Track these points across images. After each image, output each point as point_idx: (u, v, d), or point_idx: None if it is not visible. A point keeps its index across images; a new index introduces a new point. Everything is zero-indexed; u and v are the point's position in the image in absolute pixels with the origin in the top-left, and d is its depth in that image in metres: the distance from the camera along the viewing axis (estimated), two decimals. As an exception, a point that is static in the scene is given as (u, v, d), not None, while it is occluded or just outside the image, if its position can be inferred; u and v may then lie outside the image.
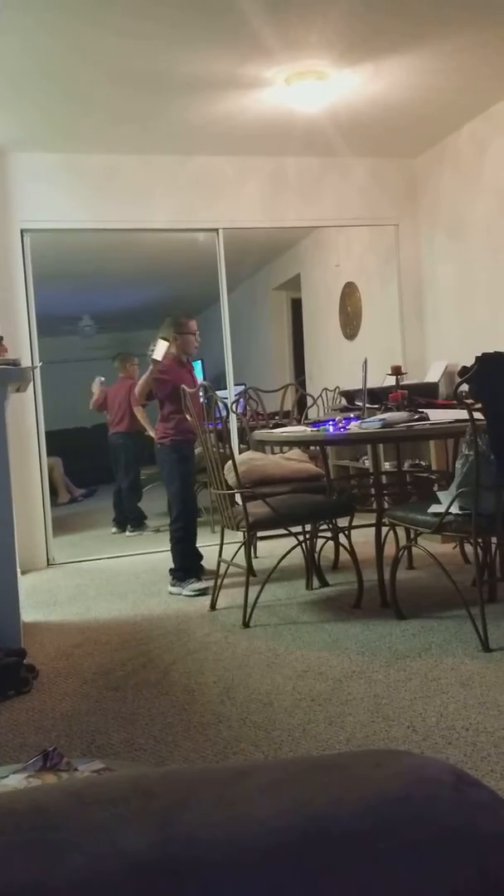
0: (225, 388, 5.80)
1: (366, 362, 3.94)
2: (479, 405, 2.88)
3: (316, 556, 4.14)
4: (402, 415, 3.42)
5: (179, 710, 2.62)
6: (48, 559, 5.40)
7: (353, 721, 2.42)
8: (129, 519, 6.66)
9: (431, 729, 2.32)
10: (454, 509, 3.01)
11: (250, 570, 3.73)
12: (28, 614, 3.92)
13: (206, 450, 3.83)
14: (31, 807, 0.53)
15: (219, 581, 3.90)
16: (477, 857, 0.50)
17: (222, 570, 3.91)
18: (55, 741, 2.42)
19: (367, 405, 3.91)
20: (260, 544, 4.90)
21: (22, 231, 5.26)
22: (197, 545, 4.43)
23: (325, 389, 5.57)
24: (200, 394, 4.13)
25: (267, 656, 3.09)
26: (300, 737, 2.34)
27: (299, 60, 4.10)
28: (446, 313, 5.82)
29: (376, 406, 3.85)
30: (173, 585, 4.27)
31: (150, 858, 0.47)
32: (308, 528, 4.08)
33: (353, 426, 3.46)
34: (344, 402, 5.06)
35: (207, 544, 4.57)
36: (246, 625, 3.52)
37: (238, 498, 3.69)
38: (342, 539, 4.16)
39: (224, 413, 3.77)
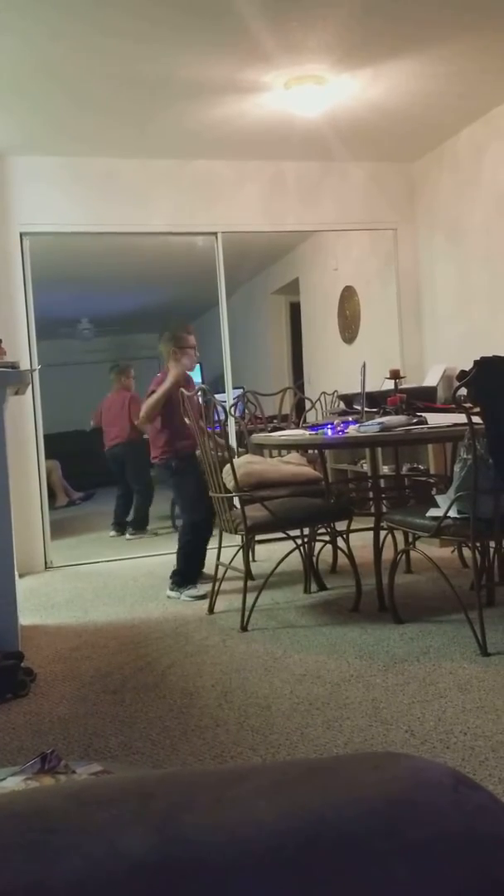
0: (223, 392, 5.80)
1: (364, 366, 3.95)
2: (477, 409, 2.88)
3: (314, 559, 4.14)
4: (401, 418, 3.42)
5: (177, 714, 2.61)
6: (46, 562, 5.39)
7: (351, 725, 2.42)
8: (133, 521, 6.66)
9: (429, 733, 2.32)
10: (452, 513, 3.01)
11: (248, 574, 3.73)
12: (26, 617, 3.92)
13: (205, 453, 3.83)
14: (30, 808, 0.53)
15: (217, 584, 3.90)
16: (476, 860, 0.50)
17: (220, 574, 3.90)
18: (53, 744, 2.41)
19: (366, 409, 3.92)
20: (258, 548, 4.90)
21: (21, 234, 5.26)
22: (206, 551, 4.43)
23: (324, 393, 5.58)
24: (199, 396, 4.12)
25: (265, 660, 3.09)
26: (298, 740, 2.34)
27: (298, 65, 4.11)
28: (445, 317, 5.83)
29: (375, 410, 3.86)
30: (172, 589, 4.27)
31: (149, 860, 0.47)
32: (306, 531, 4.08)
33: (352, 430, 3.46)
34: (342, 405, 5.06)
35: (207, 547, 4.55)
36: (244, 628, 3.52)
37: (236, 501, 3.69)
38: (340, 543, 4.16)
39: (222, 417, 3.77)
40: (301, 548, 4.02)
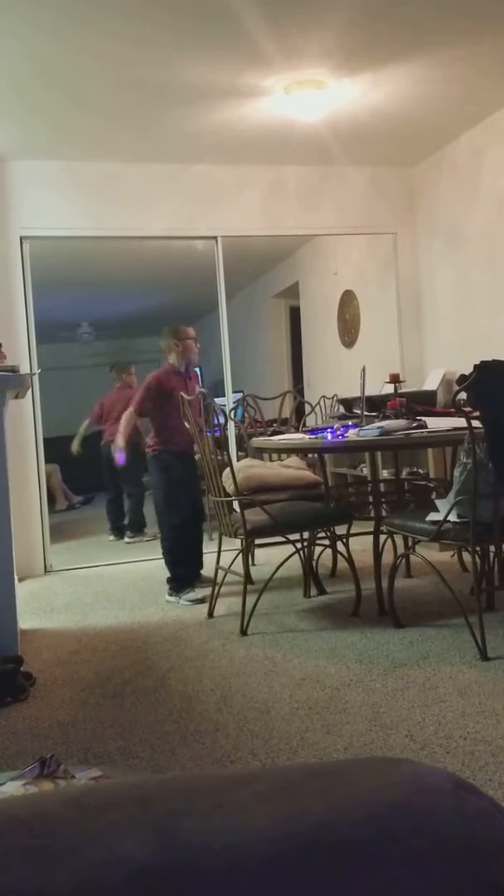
0: (223, 396, 5.80)
1: (364, 370, 3.95)
2: (477, 413, 2.88)
3: (314, 563, 4.14)
4: (400, 422, 3.42)
5: (177, 718, 2.61)
6: (45, 566, 5.39)
7: (351, 730, 2.41)
8: (130, 524, 6.65)
9: (429, 738, 2.32)
10: (452, 517, 3.01)
11: (248, 578, 3.73)
12: (25, 621, 3.91)
13: (205, 456, 3.83)
14: (31, 814, 0.53)
15: (216, 588, 3.90)
16: (476, 865, 0.50)
17: (220, 578, 3.90)
18: (52, 748, 2.41)
19: (366, 413, 3.92)
20: (258, 552, 4.90)
21: (21, 238, 5.27)
22: (200, 552, 4.43)
23: (324, 397, 5.58)
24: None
25: (264, 664, 3.09)
26: (298, 745, 2.34)
27: (298, 70, 4.12)
28: (444, 321, 5.83)
29: (374, 414, 3.86)
30: (170, 594, 4.26)
31: (149, 866, 0.47)
32: (306, 535, 4.08)
33: (352, 434, 3.46)
34: (342, 409, 5.06)
35: (205, 551, 4.56)
36: (244, 632, 3.51)
37: (236, 505, 3.69)
38: (340, 547, 4.16)
39: (222, 420, 3.78)
40: (301, 552, 4.01)
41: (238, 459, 5.17)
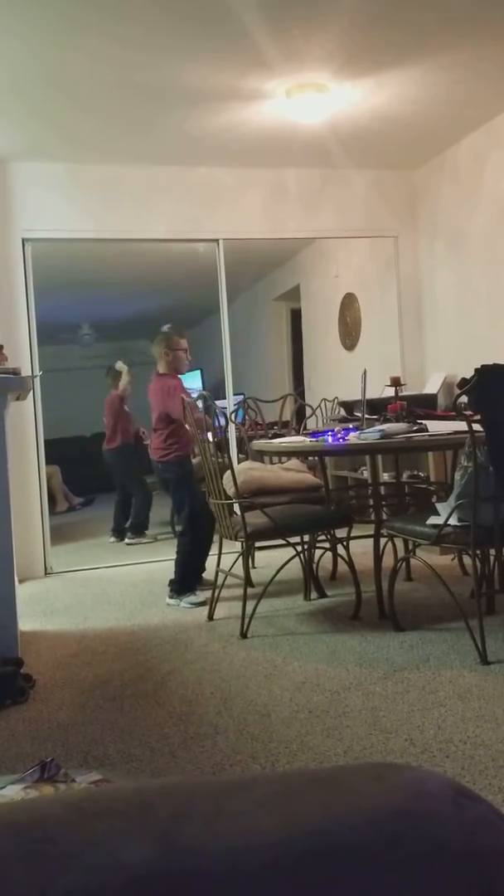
0: (224, 398, 5.81)
1: (365, 373, 3.95)
2: (478, 417, 2.88)
3: (314, 566, 4.14)
4: (401, 426, 3.42)
5: (176, 721, 2.61)
6: (46, 568, 5.39)
7: (351, 733, 2.41)
8: (132, 525, 6.65)
9: (429, 742, 2.31)
10: (453, 521, 3.01)
11: (248, 581, 3.73)
12: (25, 623, 3.91)
13: (205, 460, 3.83)
14: (31, 819, 0.53)
15: (217, 591, 3.89)
16: (476, 872, 0.50)
17: (220, 581, 3.90)
18: (51, 751, 2.41)
19: (366, 416, 3.92)
20: (258, 555, 4.90)
21: (23, 240, 5.28)
22: (206, 557, 4.43)
23: (324, 400, 5.58)
24: (199, 403, 4.12)
25: (265, 667, 3.09)
26: (298, 749, 2.33)
27: (300, 73, 4.13)
28: (445, 325, 5.83)
29: (375, 417, 3.86)
30: (171, 597, 4.26)
31: (149, 871, 0.47)
32: (306, 538, 4.08)
33: (352, 437, 3.46)
34: (343, 412, 5.06)
35: (206, 555, 4.56)
36: (244, 635, 3.51)
37: (236, 508, 3.69)
38: (340, 550, 4.16)
39: (223, 423, 3.78)
40: (301, 555, 4.01)
41: (238, 462, 5.17)
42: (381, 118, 4.85)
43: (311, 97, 4.35)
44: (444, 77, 4.32)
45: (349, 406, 5.14)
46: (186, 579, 4.26)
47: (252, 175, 5.72)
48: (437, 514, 3.16)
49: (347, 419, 4.37)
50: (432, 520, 3.13)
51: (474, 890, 0.49)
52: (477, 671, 2.87)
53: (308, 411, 5.53)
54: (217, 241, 5.70)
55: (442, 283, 5.84)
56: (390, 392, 4.26)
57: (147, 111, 4.54)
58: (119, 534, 6.74)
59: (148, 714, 2.69)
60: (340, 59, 4.00)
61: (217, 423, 3.76)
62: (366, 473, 5.80)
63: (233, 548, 3.92)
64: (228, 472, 3.79)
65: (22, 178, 5.25)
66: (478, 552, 3.10)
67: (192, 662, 3.22)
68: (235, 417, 5.53)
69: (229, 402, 5.71)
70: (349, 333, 7.00)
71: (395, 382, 4.10)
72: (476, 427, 2.88)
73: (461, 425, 3.03)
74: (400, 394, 4.20)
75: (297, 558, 4.00)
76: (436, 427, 3.42)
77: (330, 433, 3.72)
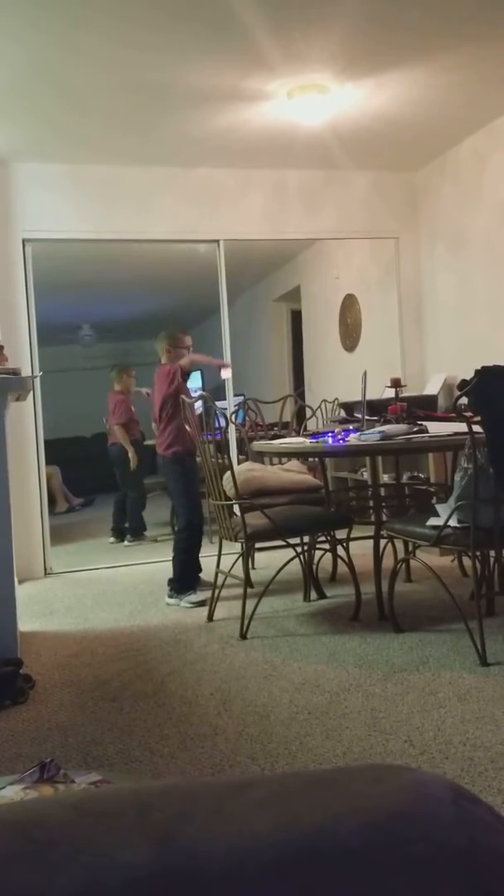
0: (224, 399, 5.81)
1: (365, 374, 3.95)
2: (478, 418, 2.88)
3: (314, 567, 4.14)
4: (401, 427, 3.42)
5: (176, 722, 2.61)
6: (46, 568, 5.39)
7: (350, 734, 2.41)
8: (130, 528, 6.65)
9: (428, 743, 2.31)
10: (453, 522, 3.01)
11: (248, 582, 3.73)
12: (25, 624, 3.91)
13: (205, 460, 3.83)
14: (30, 819, 0.53)
15: (216, 592, 3.89)
16: (476, 873, 0.50)
17: (220, 581, 3.90)
18: (51, 752, 2.41)
19: (366, 417, 3.92)
20: (258, 555, 4.90)
21: (24, 240, 5.28)
22: (199, 556, 4.43)
23: (325, 401, 5.58)
24: (199, 404, 4.12)
25: (264, 668, 3.09)
26: (297, 750, 2.33)
27: (301, 74, 4.13)
28: (446, 326, 5.83)
29: (375, 418, 3.86)
30: (170, 596, 4.26)
31: (148, 872, 0.47)
32: (306, 539, 4.08)
33: (352, 438, 3.46)
34: (343, 413, 5.06)
35: (205, 555, 4.56)
36: (243, 636, 3.51)
37: (236, 509, 3.69)
38: (340, 551, 4.16)
39: (223, 423, 3.78)
40: (301, 556, 4.01)
41: (238, 463, 5.17)
42: (383, 119, 4.85)
43: (313, 98, 4.35)
44: (445, 78, 4.33)
45: (349, 407, 5.13)
46: (185, 577, 4.26)
47: (253, 176, 5.72)
48: (436, 515, 3.17)
49: (347, 420, 4.37)
50: (432, 521, 3.13)
51: (474, 892, 0.48)
52: (476, 673, 2.87)
53: (308, 412, 5.53)
54: (218, 241, 5.71)
55: (442, 285, 5.84)
56: (390, 393, 4.26)
57: (148, 112, 4.54)
58: (119, 534, 6.74)
59: (147, 715, 2.69)
60: (342, 61, 4.00)
61: (217, 424, 3.76)
62: (366, 475, 5.80)
63: (232, 549, 3.92)
64: (228, 473, 3.79)
65: (23, 179, 5.25)
66: (478, 554, 3.10)
67: (192, 663, 3.22)
68: (236, 418, 5.53)
69: (230, 403, 5.72)
70: (349, 334, 7.01)
71: (396, 384, 4.10)
72: (476, 428, 2.88)
73: (461, 427, 3.03)
74: (400, 395, 4.20)
75: (296, 559, 4.00)
76: (436, 428, 3.42)
77: (330, 434, 3.72)
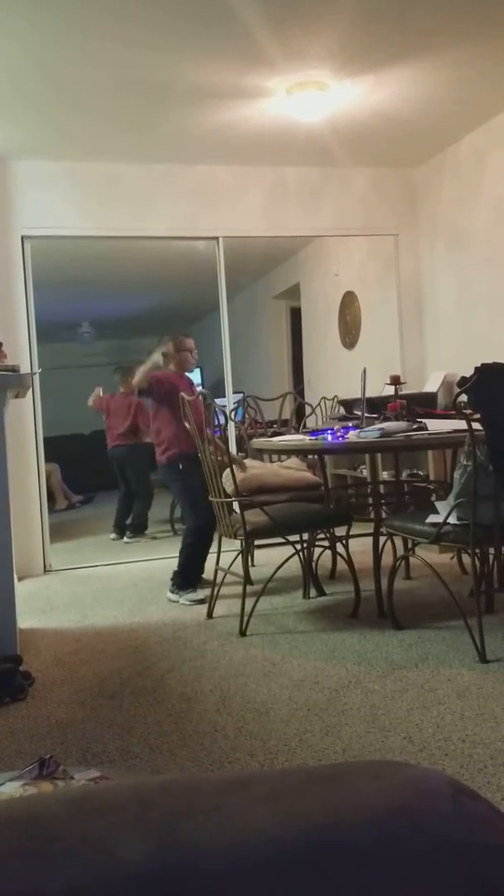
0: (224, 397, 5.81)
1: (364, 372, 3.95)
2: (477, 416, 2.88)
3: (313, 565, 4.14)
4: (401, 424, 3.42)
5: (175, 719, 2.61)
6: (45, 566, 5.39)
7: (350, 731, 2.41)
8: (132, 524, 6.66)
9: (428, 740, 2.32)
10: (452, 519, 3.01)
11: (247, 579, 3.73)
12: (24, 621, 3.91)
13: (205, 458, 3.83)
14: (29, 815, 0.53)
15: (216, 589, 3.90)
16: (475, 869, 0.50)
17: (220, 579, 3.90)
18: (51, 749, 2.41)
19: (366, 414, 3.92)
20: (257, 553, 4.90)
21: (23, 237, 5.27)
22: (207, 553, 4.43)
23: (324, 398, 5.58)
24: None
25: (263, 665, 3.09)
26: (296, 747, 2.34)
27: (300, 71, 4.13)
28: (445, 323, 5.83)
29: (375, 415, 3.86)
30: (172, 591, 4.27)
31: (148, 868, 0.47)
32: (306, 536, 4.08)
33: (352, 435, 3.46)
34: (342, 411, 5.06)
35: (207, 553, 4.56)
36: (243, 633, 3.51)
37: (236, 506, 3.69)
38: (340, 548, 4.16)
39: (222, 421, 3.78)
40: (300, 553, 4.01)
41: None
42: (382, 116, 4.84)
43: (312, 95, 4.35)
44: (444, 75, 4.32)
45: (349, 404, 5.14)
46: (191, 572, 4.26)
47: (252, 173, 5.71)
48: (436, 512, 3.17)
49: (347, 418, 4.37)
50: (431, 518, 3.13)
51: (473, 887, 0.49)
52: (476, 669, 2.87)
53: (308, 410, 5.53)
54: (217, 238, 5.70)
55: (442, 282, 5.84)
56: (390, 391, 4.26)
57: (147, 109, 4.54)
58: (120, 529, 6.74)
59: (147, 712, 2.69)
60: (341, 58, 3.99)
61: (217, 422, 3.76)
62: (365, 472, 5.80)
63: (232, 546, 3.92)
64: (228, 471, 3.79)
65: (22, 176, 5.25)
66: (477, 551, 3.10)
67: (191, 660, 3.22)
68: (235, 416, 5.53)
69: (229, 401, 5.71)
70: (349, 332, 7.00)
71: (395, 381, 4.10)
72: (475, 426, 2.88)
73: (461, 424, 3.03)
74: (399, 392, 4.20)
75: (296, 556, 4.00)
76: (435, 426, 3.42)
77: (329, 431, 3.72)
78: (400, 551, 3.88)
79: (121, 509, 6.84)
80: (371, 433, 3.31)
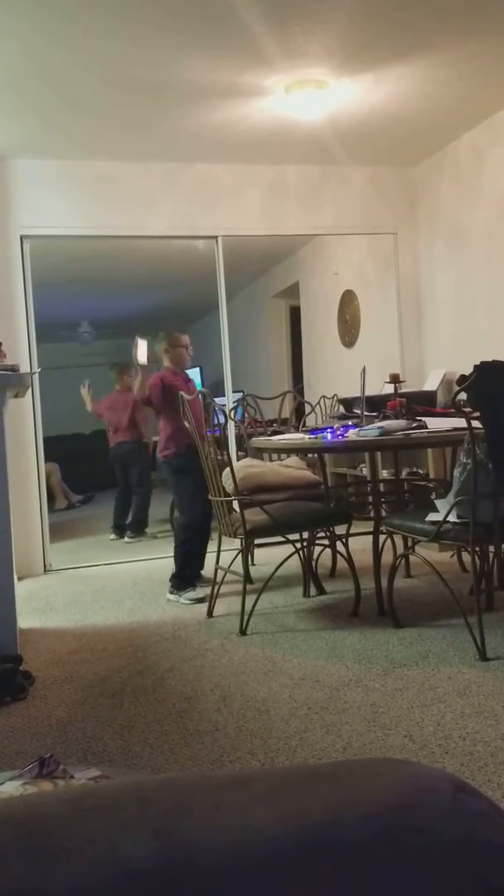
0: (223, 395, 5.80)
1: (364, 370, 3.95)
2: (477, 414, 2.88)
3: (313, 563, 4.14)
4: (400, 423, 3.42)
5: (176, 718, 2.61)
6: (45, 565, 5.39)
7: (350, 730, 2.41)
8: (132, 524, 6.66)
9: (428, 738, 2.32)
10: (452, 518, 3.01)
11: (247, 578, 3.73)
12: (25, 620, 3.91)
13: (204, 457, 3.82)
14: (29, 814, 0.52)
15: (216, 588, 3.90)
16: (476, 867, 0.49)
17: (220, 578, 3.90)
18: (51, 748, 2.41)
19: (366, 413, 3.92)
20: (257, 551, 4.90)
21: (21, 237, 5.27)
22: (205, 553, 4.43)
23: (324, 397, 5.58)
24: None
25: (264, 664, 3.09)
26: (297, 745, 2.34)
27: (299, 69, 4.12)
28: (445, 322, 5.83)
29: (374, 414, 3.86)
30: (171, 592, 4.27)
31: (147, 865, 0.47)
32: (305, 535, 4.08)
33: (351, 434, 3.46)
34: (342, 409, 5.06)
35: (205, 549, 4.56)
36: (243, 632, 3.51)
37: (236, 505, 3.69)
38: (340, 547, 4.16)
39: (222, 420, 3.78)
40: (300, 552, 4.01)
41: (238, 459, 5.17)
42: (381, 114, 4.84)
43: (311, 93, 4.34)
44: (443, 73, 4.32)
45: (348, 403, 5.14)
46: (189, 572, 4.27)
47: (251, 172, 5.71)
48: (436, 510, 3.17)
49: (346, 416, 4.37)
50: (431, 516, 3.13)
51: (473, 884, 0.48)
52: (476, 667, 2.87)
53: (307, 408, 5.53)
54: (216, 237, 5.70)
55: (441, 280, 5.83)
56: (389, 389, 4.27)
57: (145, 108, 4.53)
58: (119, 530, 6.74)
59: (147, 711, 2.69)
60: (340, 56, 3.99)
61: (216, 421, 3.76)
62: (365, 470, 5.80)
63: (232, 545, 3.92)
64: (228, 470, 3.79)
65: (20, 175, 5.24)
66: (477, 549, 3.10)
67: (192, 659, 3.22)
68: (235, 415, 5.53)
69: (228, 400, 5.71)
70: (348, 330, 7.00)
71: (395, 379, 4.10)
72: (475, 424, 2.88)
73: (460, 422, 3.02)
74: (399, 391, 4.20)
75: (296, 555, 4.00)
76: (435, 424, 3.42)
77: (329, 430, 3.71)
78: (400, 549, 3.88)
79: (118, 509, 6.84)
80: (371, 431, 3.30)
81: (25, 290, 5.29)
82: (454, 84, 4.48)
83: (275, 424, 5.33)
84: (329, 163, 5.76)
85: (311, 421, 5.21)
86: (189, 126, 4.84)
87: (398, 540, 3.95)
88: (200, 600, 4.11)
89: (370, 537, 3.71)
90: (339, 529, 4.10)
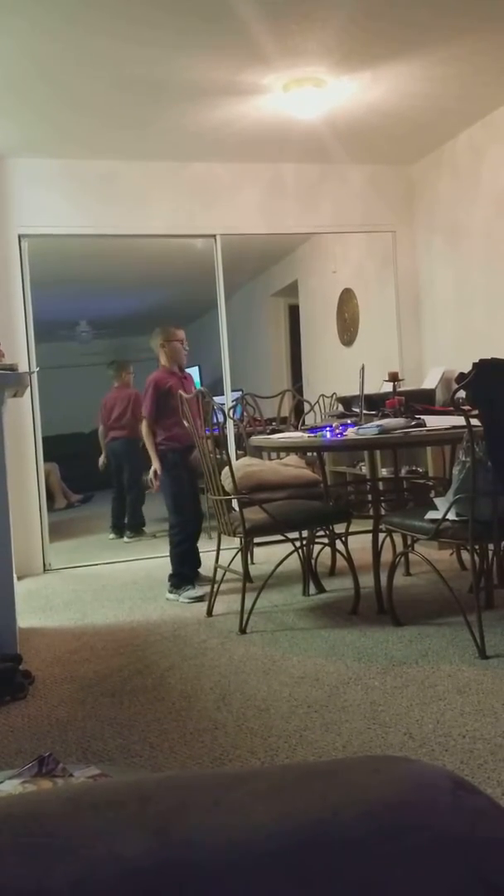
0: (222, 394, 5.80)
1: (363, 368, 3.95)
2: (476, 411, 2.88)
3: (313, 562, 4.14)
4: (399, 421, 3.42)
5: (175, 717, 2.61)
6: (45, 565, 5.39)
7: (350, 728, 2.41)
8: (129, 524, 6.65)
9: (428, 736, 2.32)
10: (451, 516, 3.01)
11: (247, 576, 3.73)
12: (24, 620, 3.91)
13: (203, 456, 3.82)
14: (28, 812, 0.52)
15: (215, 587, 3.90)
16: (475, 864, 0.49)
17: (219, 576, 3.90)
18: (51, 747, 2.41)
19: (364, 411, 3.92)
20: (257, 550, 4.90)
21: (20, 236, 5.27)
22: (198, 551, 4.43)
23: (323, 395, 5.58)
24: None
25: (263, 663, 3.09)
26: (297, 743, 2.34)
27: (297, 67, 4.12)
28: (443, 320, 5.83)
29: (373, 412, 3.86)
30: (170, 592, 4.27)
31: (146, 863, 0.47)
32: (305, 534, 4.08)
33: (350, 432, 3.46)
34: (341, 408, 5.06)
35: (204, 550, 4.57)
36: (242, 631, 3.51)
37: (235, 504, 3.69)
38: (339, 545, 4.16)
39: (221, 419, 3.78)
40: (300, 550, 4.02)
41: (237, 458, 5.17)
42: (379, 113, 4.84)
43: (309, 92, 4.34)
44: (441, 71, 4.31)
45: (347, 401, 5.14)
46: (186, 570, 4.27)
47: (249, 170, 5.71)
48: (435, 509, 3.16)
49: (345, 415, 4.37)
50: (431, 515, 3.13)
51: (472, 881, 0.48)
52: (476, 665, 2.88)
53: (306, 407, 5.53)
54: (214, 236, 5.70)
55: (440, 278, 5.83)
56: (388, 387, 4.26)
57: (143, 107, 4.53)
58: (119, 530, 6.74)
59: (147, 709, 2.69)
60: (338, 54, 3.98)
61: (215, 419, 3.76)
62: (364, 469, 5.80)
63: (231, 544, 3.92)
64: (227, 469, 3.79)
65: (18, 175, 5.24)
66: (476, 547, 3.10)
67: (191, 658, 3.22)
68: (234, 413, 5.53)
69: (227, 399, 5.71)
70: (347, 329, 7.00)
71: (394, 378, 4.10)
72: (474, 422, 2.88)
73: (459, 420, 3.02)
74: (398, 389, 4.20)
75: (295, 554, 4.00)
76: (434, 422, 3.42)
77: (328, 429, 3.71)
78: (399, 548, 3.88)
79: (115, 509, 6.84)
80: (370, 430, 3.30)
81: (24, 290, 5.28)
82: (452, 82, 4.48)
83: (274, 423, 5.33)
84: (327, 161, 5.76)
85: (310, 419, 5.21)
86: (187, 125, 4.84)
87: (397, 538, 3.96)
88: (199, 598, 4.11)
89: (369, 536, 3.71)
90: (339, 528, 4.10)
